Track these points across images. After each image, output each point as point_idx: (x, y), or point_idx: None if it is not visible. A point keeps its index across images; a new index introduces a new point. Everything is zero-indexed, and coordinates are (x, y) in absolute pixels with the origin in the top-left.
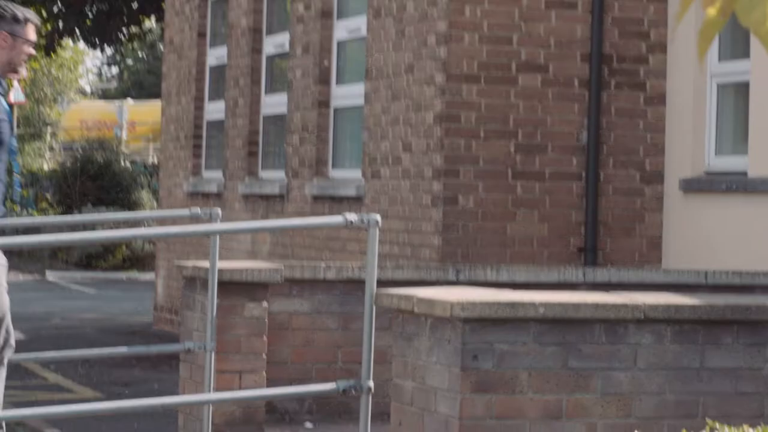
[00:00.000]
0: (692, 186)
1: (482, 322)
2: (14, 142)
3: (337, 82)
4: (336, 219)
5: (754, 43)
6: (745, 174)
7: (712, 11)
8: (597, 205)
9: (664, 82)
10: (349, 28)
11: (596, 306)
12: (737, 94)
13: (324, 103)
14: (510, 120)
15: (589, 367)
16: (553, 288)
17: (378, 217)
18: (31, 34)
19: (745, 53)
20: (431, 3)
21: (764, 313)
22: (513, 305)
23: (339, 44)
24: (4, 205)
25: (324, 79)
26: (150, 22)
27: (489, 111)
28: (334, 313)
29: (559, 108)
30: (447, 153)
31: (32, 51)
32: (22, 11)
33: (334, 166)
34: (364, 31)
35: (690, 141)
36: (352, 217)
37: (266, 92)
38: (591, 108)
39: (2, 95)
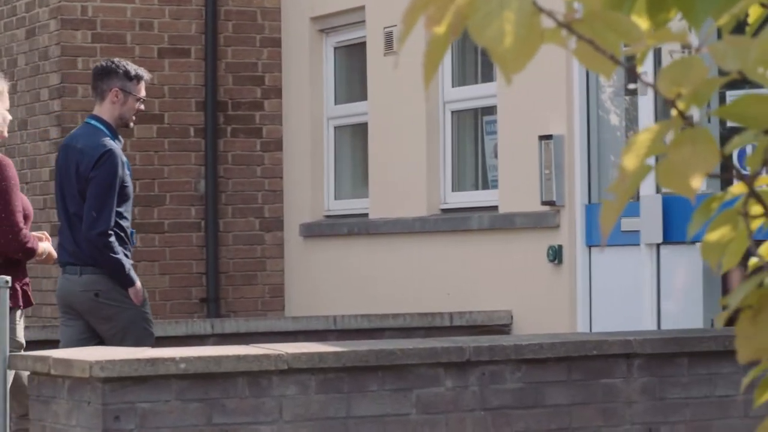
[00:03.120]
0: (313, 231)
1: (123, 382)
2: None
3: None
4: None
5: (372, 84)
6: (366, 216)
7: (439, 30)
8: (217, 255)
9: (281, 127)
10: None
11: (238, 358)
12: (354, 136)
13: None
14: None
15: (234, 422)
16: (183, 341)
17: (8, 278)
18: (142, 90)
19: (362, 96)
20: (42, 56)
21: (409, 358)
22: (153, 362)
23: None
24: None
25: None
26: None
27: None
28: None
29: (175, 158)
30: None
31: (142, 107)
32: (133, 68)
33: None
34: None
35: (309, 186)
36: None
37: None
38: (208, 156)
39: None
